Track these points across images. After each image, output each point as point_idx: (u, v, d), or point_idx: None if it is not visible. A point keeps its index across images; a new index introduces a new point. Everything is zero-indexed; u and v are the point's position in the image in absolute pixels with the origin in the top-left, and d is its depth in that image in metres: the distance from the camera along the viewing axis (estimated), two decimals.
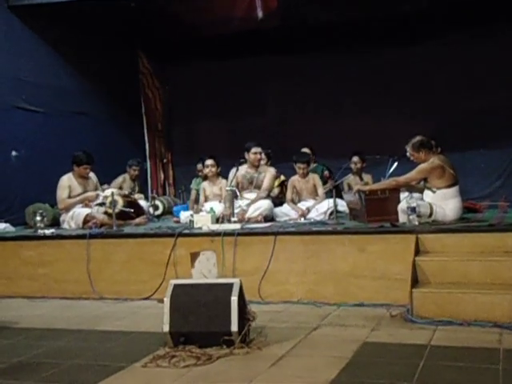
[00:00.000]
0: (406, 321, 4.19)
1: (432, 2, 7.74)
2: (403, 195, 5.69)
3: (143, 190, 8.93)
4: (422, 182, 5.59)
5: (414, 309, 4.23)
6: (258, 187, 6.80)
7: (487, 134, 8.46)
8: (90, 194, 6.76)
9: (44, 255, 5.87)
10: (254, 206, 6.54)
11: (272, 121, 9.64)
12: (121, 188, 7.89)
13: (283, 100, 9.65)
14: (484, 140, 8.51)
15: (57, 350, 3.90)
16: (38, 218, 6.21)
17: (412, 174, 5.57)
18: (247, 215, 6.40)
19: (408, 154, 5.61)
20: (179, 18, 8.51)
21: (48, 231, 6.14)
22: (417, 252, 4.71)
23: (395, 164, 6.77)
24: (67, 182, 6.71)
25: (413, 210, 5.13)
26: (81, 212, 6.59)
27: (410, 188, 5.71)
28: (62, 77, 8.17)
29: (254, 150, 6.79)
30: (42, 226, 6.21)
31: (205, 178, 7.73)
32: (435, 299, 4.24)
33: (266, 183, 6.82)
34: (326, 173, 7.79)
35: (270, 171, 6.94)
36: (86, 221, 6.50)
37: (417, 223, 5.11)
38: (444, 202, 5.34)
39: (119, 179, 8.22)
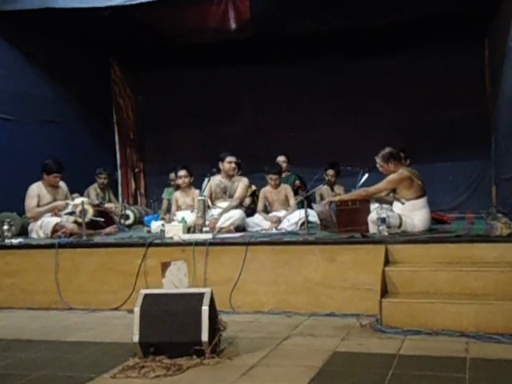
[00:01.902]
0: (375, 330, 4.23)
1: (403, 15, 7.88)
2: (373, 206, 5.76)
3: (117, 199, 8.87)
4: (391, 194, 5.67)
5: (383, 318, 4.28)
6: (232, 197, 6.82)
7: (455, 147, 8.65)
8: (60, 203, 6.67)
9: (11, 265, 5.77)
10: (226, 215, 6.54)
11: (245, 130, 9.68)
12: (89, 197, 7.81)
13: (256, 110, 9.72)
14: (452, 152, 8.69)
15: (24, 361, 3.83)
16: (6, 227, 6.12)
17: (382, 184, 5.65)
18: (218, 225, 6.40)
19: (378, 165, 5.70)
20: (152, 28, 8.51)
21: (15, 240, 6.04)
22: (386, 262, 4.77)
23: (366, 175, 6.86)
24: (36, 191, 6.62)
25: (383, 220, 5.20)
26: (50, 221, 6.50)
27: (380, 200, 5.78)
28: (33, 84, 8.09)
29: (228, 159, 6.81)
30: (10, 235, 6.11)
31: (177, 187, 7.71)
32: (404, 309, 4.29)
33: (238, 192, 6.84)
34: (297, 182, 7.85)
35: (243, 181, 6.97)
36: (55, 230, 6.42)
37: (386, 234, 5.17)
38: (413, 213, 5.42)
39: (91, 191, 8.14)
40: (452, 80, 8.63)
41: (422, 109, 8.83)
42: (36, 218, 6.59)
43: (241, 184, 6.90)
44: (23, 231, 6.78)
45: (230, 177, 6.91)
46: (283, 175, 7.90)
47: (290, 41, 8.67)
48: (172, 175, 8.23)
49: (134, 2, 6.59)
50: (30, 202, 6.59)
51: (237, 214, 6.57)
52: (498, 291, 4.33)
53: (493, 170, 8.47)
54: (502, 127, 7.02)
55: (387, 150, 5.65)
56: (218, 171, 6.95)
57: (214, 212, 6.63)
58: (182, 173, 7.17)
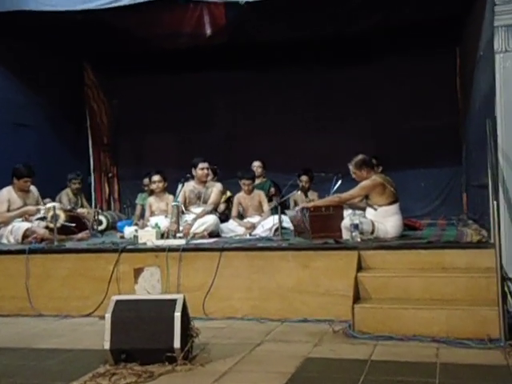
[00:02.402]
0: (347, 336, 4.26)
1: (376, 24, 7.96)
2: (346, 212, 5.80)
3: (90, 205, 8.77)
4: (364, 200, 5.72)
5: (355, 324, 4.31)
6: (206, 202, 6.80)
7: (427, 154, 8.75)
8: (30, 208, 6.56)
9: None
10: (200, 221, 6.52)
11: (219, 136, 9.66)
12: (61, 202, 7.70)
13: (231, 116, 9.72)
14: (424, 159, 8.79)
15: None
16: None
17: (355, 191, 5.70)
18: (192, 230, 6.37)
19: (351, 172, 5.75)
20: (126, 32, 8.43)
21: None
22: (359, 268, 4.81)
23: (339, 181, 6.90)
24: (6, 196, 6.51)
25: (355, 226, 5.25)
26: (20, 226, 6.39)
27: (353, 206, 5.83)
28: (3, 88, 7.94)
29: (200, 165, 6.80)
30: None
31: (151, 192, 7.66)
32: (376, 315, 4.33)
33: (212, 197, 6.83)
34: (272, 190, 7.85)
35: (217, 186, 6.97)
36: (25, 235, 6.31)
37: (359, 240, 5.22)
38: (385, 219, 5.48)
39: (63, 196, 8.02)
40: (424, 88, 8.74)
41: (394, 116, 8.92)
42: (6, 223, 6.47)
43: (214, 189, 6.89)
44: None
45: (203, 183, 6.89)
46: (258, 181, 7.92)
47: (265, 47, 8.68)
48: (146, 180, 8.18)
49: (107, 6, 6.53)
50: (0, 206, 6.47)
51: (211, 220, 6.56)
52: (468, 297, 4.40)
53: (464, 178, 8.60)
54: (472, 135, 7.14)
55: (360, 156, 5.70)
56: (192, 177, 6.93)
57: (188, 218, 6.60)
58: (156, 178, 7.13)
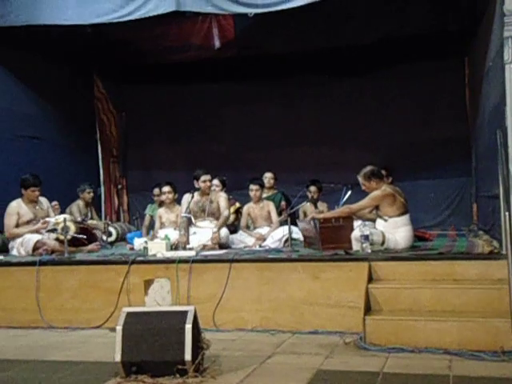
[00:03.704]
0: (359, 348, 4.23)
1: (384, 35, 7.99)
2: (356, 223, 5.78)
3: (100, 216, 8.79)
4: (374, 211, 5.71)
5: (366, 336, 4.28)
6: (211, 214, 6.76)
7: (437, 165, 8.73)
8: (39, 226, 6.54)
9: None
10: (208, 233, 6.50)
11: (228, 147, 9.68)
12: (72, 214, 7.72)
13: (239, 127, 9.73)
14: (434, 170, 8.78)
15: (3, 381, 3.76)
16: None
17: (365, 201, 5.69)
18: (202, 242, 6.36)
19: (360, 183, 5.74)
20: (136, 45, 8.54)
21: None
22: (370, 279, 4.78)
23: (349, 192, 6.90)
24: (16, 208, 6.53)
25: (366, 237, 5.23)
26: (31, 238, 6.41)
27: (363, 217, 5.81)
28: (15, 101, 8.01)
29: (203, 178, 6.72)
30: None
31: (160, 203, 7.67)
32: (387, 326, 4.30)
33: (222, 205, 6.77)
34: (283, 204, 7.80)
35: (222, 195, 6.93)
36: (36, 247, 6.33)
37: (369, 251, 5.20)
38: (395, 230, 5.46)
39: (73, 208, 8.04)
40: (433, 99, 8.75)
41: (404, 127, 8.92)
42: (14, 238, 6.50)
43: (221, 198, 6.84)
44: (4, 248, 6.68)
45: (206, 195, 6.85)
46: (270, 193, 7.91)
47: (273, 59, 8.73)
48: (156, 191, 8.18)
49: (118, 20, 6.60)
50: (10, 219, 6.49)
51: (221, 232, 6.54)
52: (479, 308, 4.36)
53: (473, 188, 8.57)
54: (482, 145, 7.12)
55: (368, 168, 5.69)
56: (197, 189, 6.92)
57: (197, 230, 6.59)
58: (166, 189, 7.14)
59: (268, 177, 8.02)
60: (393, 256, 5.09)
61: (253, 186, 7.04)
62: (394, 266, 4.91)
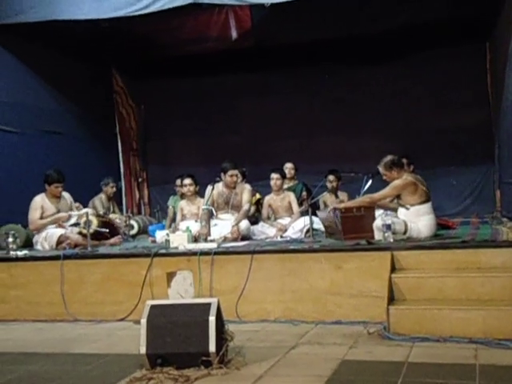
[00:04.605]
0: (383, 338, 4.20)
1: (403, 21, 7.89)
2: (378, 213, 5.74)
3: (121, 210, 8.86)
4: (395, 201, 5.66)
5: (390, 326, 4.25)
6: (235, 207, 6.76)
7: (458, 152, 8.65)
8: (62, 214, 6.66)
9: (16, 277, 5.76)
10: (228, 225, 6.50)
11: (247, 139, 9.68)
12: (95, 208, 7.79)
13: (258, 118, 9.72)
14: (455, 157, 8.69)
15: (31, 374, 3.82)
16: (11, 240, 6.10)
17: (386, 191, 5.63)
18: (224, 234, 6.37)
19: (381, 173, 5.69)
20: (153, 38, 8.55)
21: (20, 252, 6.02)
22: (392, 269, 4.75)
23: (370, 181, 6.84)
24: (40, 203, 6.62)
25: (388, 227, 5.18)
26: (54, 233, 6.49)
27: (384, 206, 5.77)
28: (36, 96, 8.11)
29: (230, 172, 6.69)
30: (15, 247, 6.10)
31: (181, 195, 7.70)
32: (411, 316, 4.27)
33: (245, 198, 6.75)
34: (304, 194, 7.78)
35: (246, 187, 6.91)
36: (59, 241, 6.41)
37: (392, 240, 5.15)
38: (418, 219, 5.40)
39: (96, 201, 8.11)
40: (454, 85, 8.64)
41: (425, 114, 8.83)
42: (39, 230, 6.59)
43: (245, 191, 6.83)
44: (28, 243, 6.77)
45: (231, 188, 6.86)
46: (291, 183, 7.90)
47: (291, 49, 8.68)
48: (178, 181, 8.18)
49: (136, 13, 6.61)
50: (33, 214, 6.58)
51: (243, 224, 6.53)
52: (505, 296, 4.31)
53: (496, 175, 8.47)
54: (505, 131, 7.02)
55: (388, 157, 5.63)
56: (221, 180, 6.93)
57: (218, 222, 6.60)
58: (188, 181, 7.15)
59: (288, 167, 7.98)
60: (415, 245, 5.04)
61: (274, 175, 7.04)
62: (417, 255, 4.87)
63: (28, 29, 7.06)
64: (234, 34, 8.41)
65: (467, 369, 3.42)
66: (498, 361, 3.56)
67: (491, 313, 4.10)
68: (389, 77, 8.99)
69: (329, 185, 7.70)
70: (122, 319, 5.28)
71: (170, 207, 8.07)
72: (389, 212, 5.62)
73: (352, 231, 5.62)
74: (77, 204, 7.10)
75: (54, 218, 6.63)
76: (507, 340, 3.88)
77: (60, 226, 6.63)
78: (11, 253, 6.01)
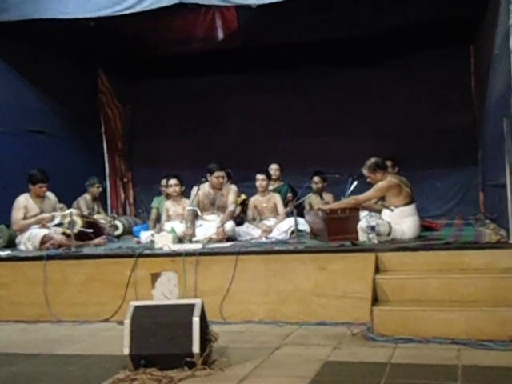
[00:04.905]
0: (366, 339, 4.22)
1: (388, 24, 7.94)
2: (362, 214, 5.77)
3: (105, 210, 8.81)
4: (379, 202, 5.69)
5: (374, 327, 4.27)
6: (220, 208, 6.74)
7: (443, 154, 8.71)
8: (45, 215, 6.59)
9: None
10: (213, 226, 6.50)
11: (234, 139, 9.66)
12: (79, 208, 7.74)
13: (245, 118, 9.71)
14: (440, 159, 8.75)
15: (13, 375, 3.79)
16: None
17: (371, 192, 5.67)
18: (209, 235, 6.35)
19: (365, 175, 5.73)
20: (139, 38, 8.51)
21: (3, 253, 5.98)
22: (376, 270, 4.77)
23: (355, 183, 6.88)
24: (23, 203, 6.55)
25: (372, 228, 5.22)
26: (38, 233, 6.44)
27: (369, 208, 5.79)
28: (20, 95, 8.03)
29: (216, 174, 6.67)
30: None
31: (167, 196, 7.68)
32: (395, 317, 4.30)
33: (230, 199, 6.73)
34: (289, 195, 7.80)
35: (232, 188, 6.90)
36: (43, 242, 6.35)
37: (376, 241, 5.19)
38: (402, 220, 5.44)
39: (81, 202, 8.05)
40: (439, 88, 8.70)
41: (409, 117, 8.87)
42: (22, 230, 6.53)
43: (231, 192, 6.83)
44: (11, 243, 6.70)
45: (217, 189, 6.84)
46: (276, 185, 7.91)
47: (278, 49, 8.68)
48: (163, 181, 8.14)
49: (120, 13, 6.58)
50: (17, 214, 6.51)
51: (228, 225, 6.52)
52: (487, 298, 4.35)
53: (480, 177, 8.53)
54: (488, 134, 7.08)
55: (372, 160, 5.68)
56: (207, 180, 6.92)
57: (203, 223, 6.59)
58: (173, 182, 7.13)
59: (273, 168, 8.00)
60: (399, 246, 5.07)
61: (259, 176, 7.05)
62: (401, 257, 4.90)
63: (12, 27, 6.98)
64: (221, 35, 8.41)
65: (450, 369, 3.45)
66: (480, 361, 3.60)
67: (474, 314, 4.14)
68: (375, 79, 9.03)
69: (314, 186, 7.71)
70: (105, 320, 5.26)
71: (154, 209, 8.04)
72: (373, 213, 5.65)
73: (337, 232, 5.65)
74: (61, 205, 7.03)
75: (38, 218, 6.56)
76: (489, 341, 3.92)
77: (44, 226, 6.58)
78: None
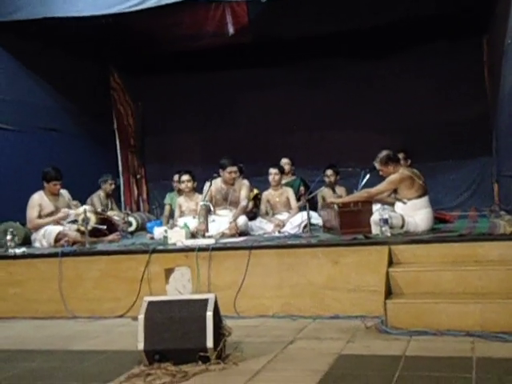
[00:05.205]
0: (380, 332, 4.21)
1: (400, 15, 7.88)
2: (375, 207, 5.75)
3: (119, 207, 8.86)
4: (392, 195, 5.66)
5: (388, 320, 4.26)
6: (233, 203, 6.76)
7: (456, 145, 8.64)
8: (60, 215, 6.64)
9: (15, 275, 5.77)
10: (225, 221, 6.51)
11: (245, 134, 9.66)
12: (93, 205, 7.79)
13: (256, 113, 9.71)
14: (453, 151, 8.68)
15: (29, 371, 3.83)
16: (9, 237, 6.09)
17: (383, 185, 5.65)
18: (222, 230, 6.37)
19: (377, 169, 5.70)
20: (150, 34, 8.53)
21: (19, 250, 6.03)
22: (390, 263, 4.75)
23: (367, 176, 6.85)
24: (37, 201, 6.61)
25: (385, 221, 5.19)
26: (52, 230, 6.49)
27: (382, 201, 5.77)
28: (33, 93, 8.11)
29: (229, 169, 6.70)
30: (13, 245, 6.10)
31: (179, 191, 7.70)
32: (409, 310, 4.28)
33: (243, 194, 6.77)
34: (302, 189, 7.79)
35: (245, 183, 6.91)
36: (57, 239, 6.41)
37: (389, 234, 5.17)
38: (415, 213, 5.42)
39: (94, 199, 8.11)
40: (452, 79, 8.63)
41: (422, 109, 8.81)
42: (37, 228, 6.59)
43: (243, 186, 6.85)
44: (26, 241, 6.78)
45: (230, 184, 6.86)
46: (288, 179, 7.90)
47: (288, 43, 8.67)
48: (176, 177, 8.17)
49: (130, 10, 6.60)
50: (31, 212, 6.58)
51: (240, 220, 6.54)
52: (502, 290, 4.31)
53: (494, 168, 8.46)
54: (503, 124, 7.02)
55: (384, 153, 5.65)
56: (219, 176, 6.93)
57: (216, 218, 6.60)
58: (186, 177, 7.15)
59: (284, 162, 8.00)
60: (413, 239, 5.04)
61: (272, 170, 7.05)
62: (414, 249, 4.87)
63: (24, 26, 7.05)
64: (231, 30, 8.39)
65: (464, 362, 3.43)
66: (494, 353, 3.57)
67: (488, 306, 4.10)
68: (387, 72, 8.98)
69: (327, 179, 7.70)
70: (120, 316, 5.30)
71: (167, 205, 8.06)
72: (386, 206, 5.63)
73: (349, 226, 5.63)
74: (75, 202, 7.10)
75: (53, 218, 6.62)
76: (504, 333, 3.88)
77: (58, 223, 6.63)
78: (10, 250, 6.02)
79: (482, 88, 8.64)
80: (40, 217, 6.60)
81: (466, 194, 8.87)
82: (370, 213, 5.65)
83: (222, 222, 6.54)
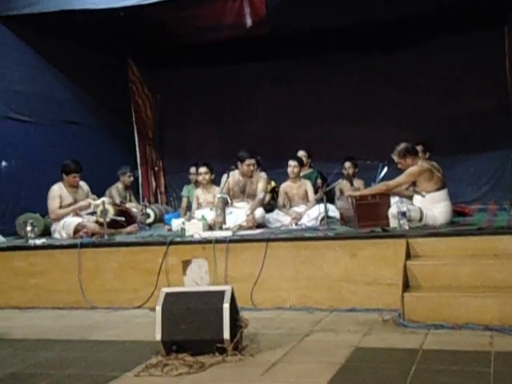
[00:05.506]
0: (397, 325, 4.20)
1: (419, 8, 7.80)
2: (393, 200, 5.71)
3: (137, 199, 8.92)
4: (411, 188, 5.62)
5: (405, 313, 4.24)
6: (250, 196, 6.77)
7: (476, 138, 8.55)
8: (83, 203, 6.72)
9: (35, 265, 5.84)
10: (243, 213, 6.52)
11: (263, 127, 9.66)
12: (111, 197, 7.85)
13: (274, 106, 9.69)
14: (473, 143, 8.59)
15: (49, 360, 3.88)
16: (29, 228, 6.18)
17: (401, 178, 5.61)
18: (239, 222, 6.38)
19: (395, 161, 5.66)
20: (168, 26, 8.54)
21: (39, 241, 6.11)
22: (408, 256, 4.73)
23: (385, 169, 6.81)
24: (58, 192, 6.68)
25: (403, 214, 5.16)
26: (71, 221, 6.56)
27: (400, 194, 5.73)
28: (52, 86, 8.18)
29: (247, 161, 6.71)
30: (33, 236, 6.18)
31: (196, 183, 7.72)
32: (426, 303, 4.26)
33: (260, 186, 6.78)
34: (319, 182, 7.77)
35: (262, 175, 6.92)
36: (76, 230, 6.47)
37: (407, 227, 5.13)
38: (433, 206, 5.37)
39: (113, 191, 8.17)
40: (471, 70, 8.53)
41: (441, 101, 8.74)
42: (59, 219, 6.66)
43: (261, 179, 6.86)
44: (46, 232, 6.86)
45: (248, 177, 6.86)
46: (306, 171, 7.88)
47: (306, 36, 8.62)
48: (193, 169, 8.19)
49: (148, 2, 6.61)
50: (53, 203, 6.64)
51: (257, 213, 6.54)
52: None
53: None
54: None
55: (402, 145, 5.60)
56: (237, 168, 6.93)
57: (233, 210, 6.61)
58: (203, 169, 7.16)
59: (301, 155, 7.96)
60: (431, 232, 5.01)
61: (291, 162, 7.04)
62: (433, 242, 4.84)
63: (42, 19, 7.10)
64: (249, 22, 8.36)
65: (482, 356, 3.41)
66: None
67: (507, 300, 4.07)
68: (405, 64, 8.89)
69: (345, 172, 7.69)
70: (138, 307, 5.34)
71: (184, 197, 8.08)
72: (404, 199, 5.59)
73: (367, 219, 5.60)
74: (93, 196, 7.16)
75: (76, 206, 6.69)
76: None
77: (77, 214, 6.70)
78: (30, 241, 6.10)
79: (503, 79, 8.51)
80: (61, 208, 6.66)
81: (486, 187, 8.77)
82: (388, 206, 5.62)
83: (239, 214, 6.55)
